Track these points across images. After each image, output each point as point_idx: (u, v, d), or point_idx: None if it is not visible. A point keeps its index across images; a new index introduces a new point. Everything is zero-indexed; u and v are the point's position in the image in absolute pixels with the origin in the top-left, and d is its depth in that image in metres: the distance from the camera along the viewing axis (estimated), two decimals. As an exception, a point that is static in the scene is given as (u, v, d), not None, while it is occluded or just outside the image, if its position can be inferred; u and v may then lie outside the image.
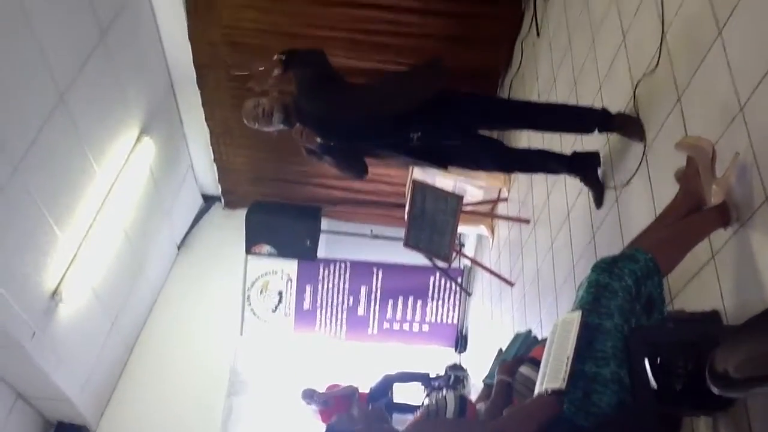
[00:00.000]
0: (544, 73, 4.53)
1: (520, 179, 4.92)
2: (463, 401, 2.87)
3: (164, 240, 6.63)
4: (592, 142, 3.34)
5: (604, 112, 3.13)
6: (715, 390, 1.51)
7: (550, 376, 1.76)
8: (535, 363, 2.55)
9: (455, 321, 6.58)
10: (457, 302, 6.55)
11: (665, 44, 2.75)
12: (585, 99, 3.62)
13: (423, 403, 5.59)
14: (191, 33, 5.25)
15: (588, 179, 3.35)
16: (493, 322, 5.47)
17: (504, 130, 4.76)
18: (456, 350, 6.59)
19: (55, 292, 4.48)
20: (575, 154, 3.40)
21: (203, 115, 5.99)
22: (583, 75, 3.73)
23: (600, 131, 3.17)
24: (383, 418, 3.87)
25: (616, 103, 3.17)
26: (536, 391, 1.83)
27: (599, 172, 3.31)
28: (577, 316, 1.75)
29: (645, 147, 2.85)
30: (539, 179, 4.36)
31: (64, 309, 4.64)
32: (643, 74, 2.89)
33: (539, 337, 3.65)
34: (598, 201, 3.32)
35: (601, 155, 3.30)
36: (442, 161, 3.38)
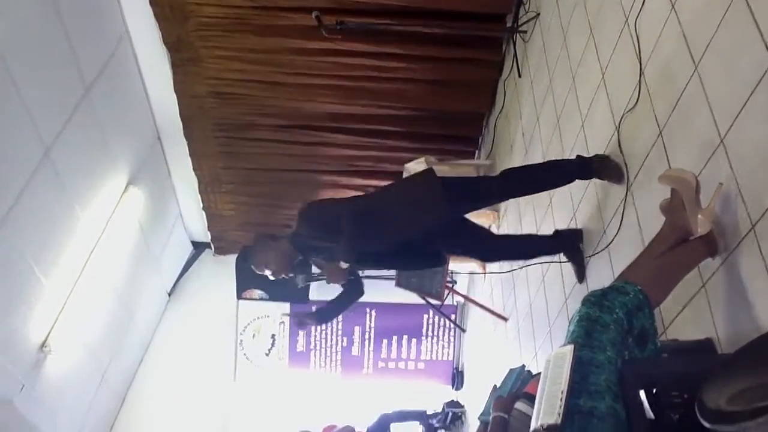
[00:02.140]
0: (527, 112, 4.60)
1: (509, 213, 4.95)
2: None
3: (154, 288, 6.59)
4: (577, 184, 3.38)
5: (579, 160, 3.17)
6: (706, 424, 1.49)
7: (545, 411, 1.74)
8: (531, 398, 2.53)
9: (450, 358, 6.55)
10: (452, 339, 6.53)
11: (644, 81, 2.80)
12: (568, 136, 3.68)
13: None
14: (177, 86, 5.28)
15: (571, 256, 3.42)
16: (488, 357, 5.44)
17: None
18: (453, 387, 6.54)
19: (43, 344, 4.43)
20: (557, 233, 3.50)
21: (191, 164, 6.01)
22: (566, 113, 3.78)
23: (581, 179, 3.23)
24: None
25: (600, 139, 3.21)
26: (532, 427, 1.82)
27: (581, 246, 3.39)
28: (569, 350, 1.74)
29: (628, 183, 2.89)
30: (528, 211, 4.39)
31: (53, 361, 4.58)
32: (624, 111, 2.94)
33: (533, 372, 3.63)
34: (580, 275, 3.38)
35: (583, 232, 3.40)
36: (439, 259, 3.52)
